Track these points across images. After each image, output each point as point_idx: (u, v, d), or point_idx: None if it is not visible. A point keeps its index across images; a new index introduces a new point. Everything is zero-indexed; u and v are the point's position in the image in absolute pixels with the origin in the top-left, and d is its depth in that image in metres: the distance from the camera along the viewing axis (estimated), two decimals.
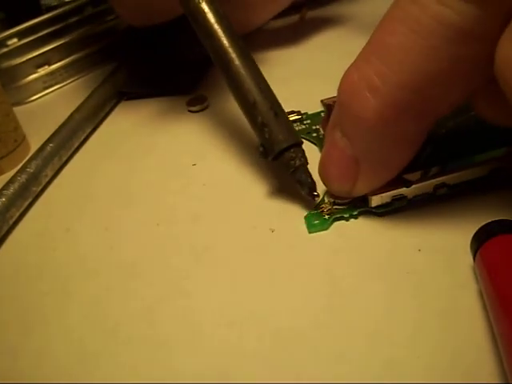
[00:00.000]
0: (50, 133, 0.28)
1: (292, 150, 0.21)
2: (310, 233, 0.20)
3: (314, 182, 0.21)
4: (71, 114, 0.29)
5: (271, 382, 0.16)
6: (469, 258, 0.17)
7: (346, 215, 0.20)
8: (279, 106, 0.22)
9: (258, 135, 0.22)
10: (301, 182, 0.21)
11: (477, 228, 0.17)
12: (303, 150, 0.21)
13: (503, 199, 0.19)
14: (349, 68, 0.18)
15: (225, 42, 0.22)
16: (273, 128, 0.21)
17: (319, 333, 0.17)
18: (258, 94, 0.22)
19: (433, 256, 0.18)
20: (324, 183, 0.21)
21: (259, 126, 0.21)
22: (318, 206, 0.21)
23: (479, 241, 0.16)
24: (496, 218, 0.17)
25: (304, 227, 0.20)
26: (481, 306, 0.16)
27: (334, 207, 0.21)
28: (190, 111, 0.30)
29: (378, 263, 0.19)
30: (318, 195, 0.21)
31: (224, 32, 0.23)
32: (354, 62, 0.18)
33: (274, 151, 0.21)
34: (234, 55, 0.22)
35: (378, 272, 0.18)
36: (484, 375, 0.15)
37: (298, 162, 0.21)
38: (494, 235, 0.16)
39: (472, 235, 0.17)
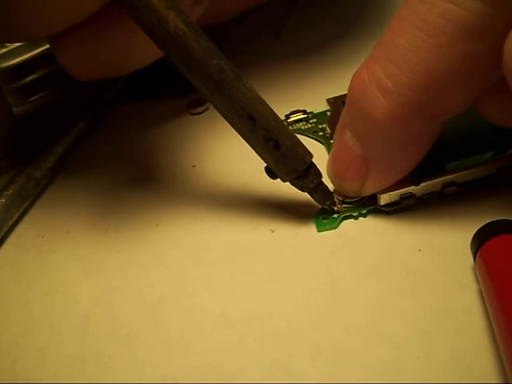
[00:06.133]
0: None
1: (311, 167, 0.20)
2: (319, 231, 0.20)
3: (331, 193, 0.20)
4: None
5: (271, 382, 0.16)
6: (469, 257, 0.17)
7: (354, 214, 0.20)
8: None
9: (269, 159, 0.20)
10: (323, 196, 0.20)
11: (477, 228, 0.17)
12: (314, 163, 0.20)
13: (504, 199, 0.19)
14: (359, 68, 0.18)
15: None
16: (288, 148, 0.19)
17: (319, 333, 0.17)
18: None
19: (433, 256, 0.18)
20: (332, 182, 0.20)
21: (271, 147, 0.19)
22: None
23: (479, 241, 0.16)
24: (496, 218, 0.17)
25: (304, 227, 0.20)
26: (481, 306, 0.16)
27: (343, 206, 0.21)
28: (189, 113, 0.30)
29: (377, 263, 0.19)
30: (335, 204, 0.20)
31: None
32: (365, 62, 0.18)
33: (298, 171, 0.19)
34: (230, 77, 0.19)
35: (377, 272, 0.18)
36: (484, 375, 0.15)
37: (316, 179, 0.20)
38: (494, 235, 0.16)
39: (472, 235, 0.17)
